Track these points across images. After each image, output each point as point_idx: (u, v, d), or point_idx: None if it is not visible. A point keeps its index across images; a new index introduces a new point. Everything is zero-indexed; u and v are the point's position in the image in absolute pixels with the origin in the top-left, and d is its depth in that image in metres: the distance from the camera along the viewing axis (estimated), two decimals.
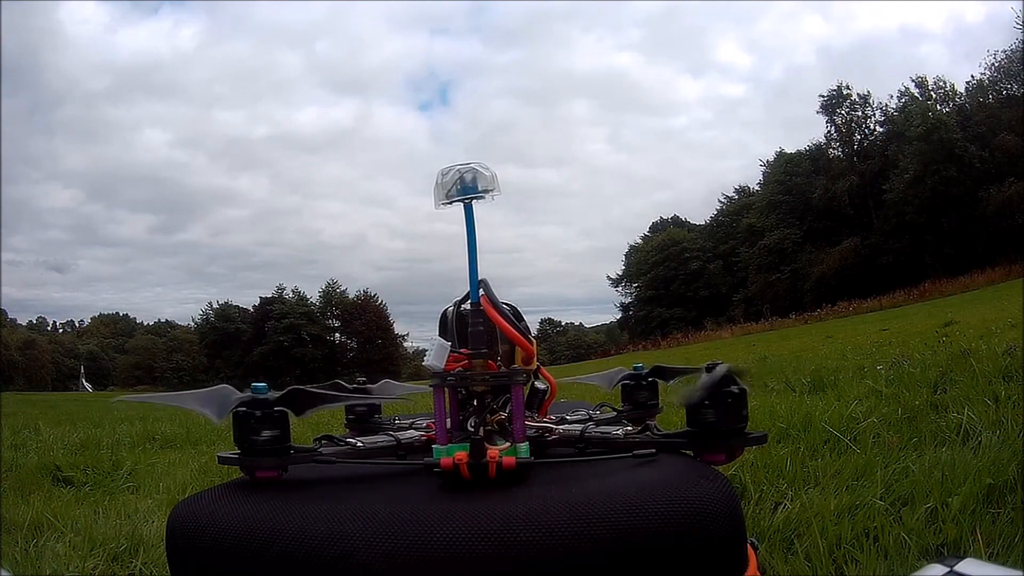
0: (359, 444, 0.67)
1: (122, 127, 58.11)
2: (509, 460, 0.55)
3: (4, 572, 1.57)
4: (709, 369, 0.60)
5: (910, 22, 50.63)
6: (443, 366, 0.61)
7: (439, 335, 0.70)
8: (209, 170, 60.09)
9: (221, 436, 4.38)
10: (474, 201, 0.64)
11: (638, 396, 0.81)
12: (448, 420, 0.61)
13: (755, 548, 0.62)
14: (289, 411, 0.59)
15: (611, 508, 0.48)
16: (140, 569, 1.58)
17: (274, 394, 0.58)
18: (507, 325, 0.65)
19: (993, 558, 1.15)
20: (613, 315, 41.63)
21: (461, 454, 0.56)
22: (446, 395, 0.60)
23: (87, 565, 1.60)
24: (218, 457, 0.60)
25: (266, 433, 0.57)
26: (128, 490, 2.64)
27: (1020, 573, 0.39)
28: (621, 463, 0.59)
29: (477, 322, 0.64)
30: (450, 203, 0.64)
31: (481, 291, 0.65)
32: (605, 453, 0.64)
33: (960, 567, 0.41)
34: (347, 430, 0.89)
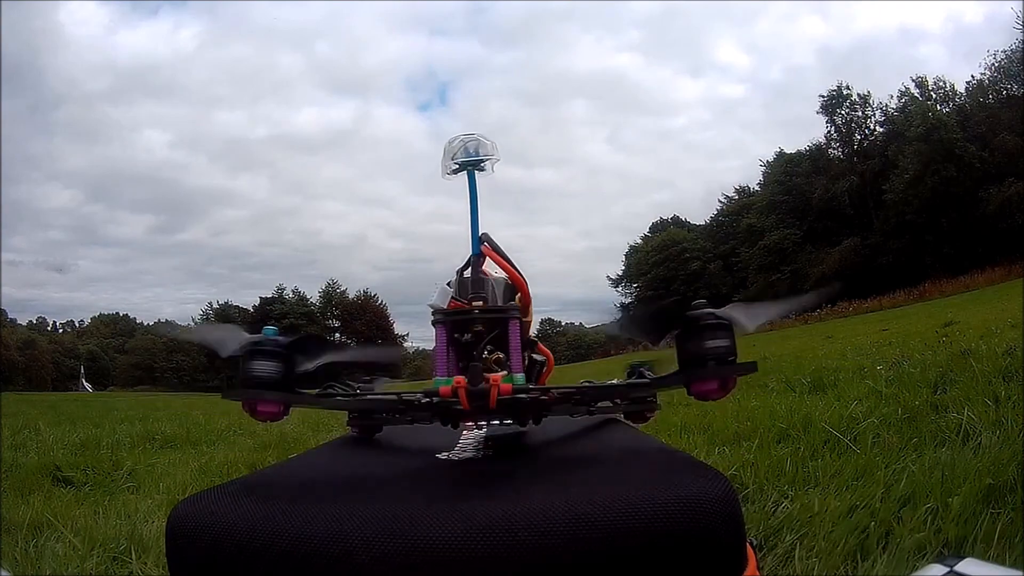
0: (359, 390, 0.70)
1: (122, 128, 58.16)
2: (506, 387, 0.58)
3: (4, 572, 1.57)
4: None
5: (910, 22, 50.54)
6: (445, 306, 0.65)
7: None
8: (209, 170, 60.16)
9: (221, 436, 4.38)
10: (478, 173, 0.70)
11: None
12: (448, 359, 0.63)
13: (755, 548, 0.62)
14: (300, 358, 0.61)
15: (611, 508, 0.48)
16: (140, 569, 1.58)
17: (285, 339, 0.61)
18: (505, 263, 0.71)
19: (993, 558, 1.15)
20: (613, 315, 41.58)
21: (460, 379, 0.58)
22: (446, 332, 0.63)
23: (87, 565, 1.60)
24: (222, 394, 0.63)
25: (270, 369, 0.59)
26: (128, 490, 2.64)
27: (1020, 573, 0.39)
28: (621, 460, 0.59)
29: (478, 270, 0.68)
30: (456, 172, 0.70)
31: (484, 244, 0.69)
32: (602, 399, 0.68)
33: (960, 567, 0.41)
34: (348, 428, 0.90)
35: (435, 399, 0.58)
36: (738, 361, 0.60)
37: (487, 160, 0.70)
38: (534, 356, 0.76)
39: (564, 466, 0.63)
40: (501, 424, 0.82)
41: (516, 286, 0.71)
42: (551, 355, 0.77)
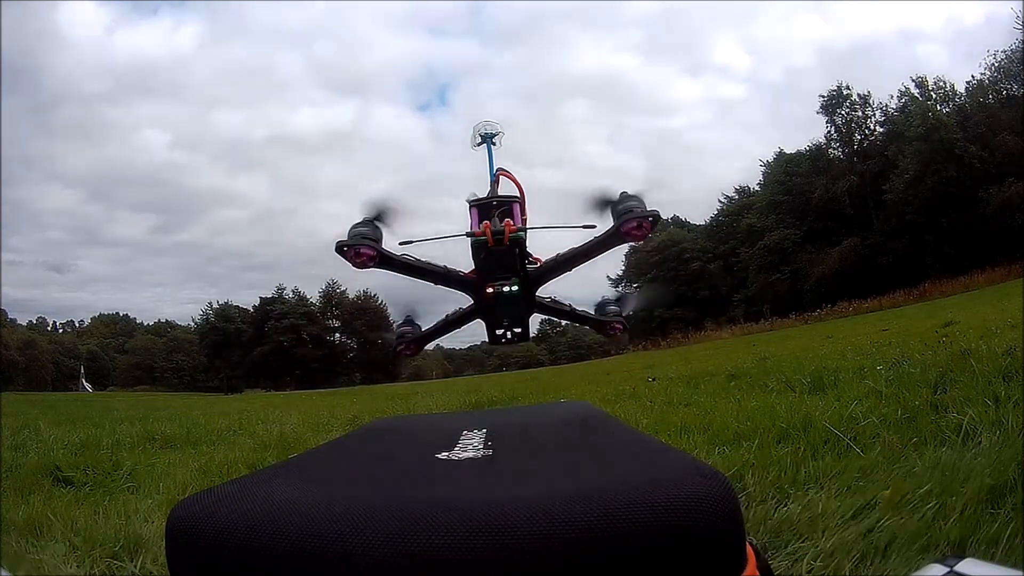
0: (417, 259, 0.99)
1: (122, 128, 58.07)
2: (513, 228, 0.92)
3: (4, 572, 1.57)
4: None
5: (909, 23, 50.55)
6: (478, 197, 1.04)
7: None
8: (209, 171, 60.09)
9: (221, 436, 4.38)
10: (493, 146, 1.20)
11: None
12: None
13: (755, 548, 0.62)
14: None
15: (611, 509, 0.48)
16: (139, 569, 1.58)
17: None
18: (513, 176, 1.10)
19: (993, 558, 1.15)
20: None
21: (486, 223, 0.94)
22: (478, 211, 1.01)
23: (87, 565, 1.60)
24: (337, 243, 0.93)
25: (369, 231, 0.94)
26: (128, 490, 2.64)
27: (1020, 573, 0.39)
28: (621, 460, 0.59)
29: (495, 185, 1.10)
30: (480, 145, 1.20)
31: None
32: (575, 261, 0.99)
33: (960, 567, 0.41)
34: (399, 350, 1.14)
35: (472, 237, 0.91)
36: None
37: (498, 135, 1.22)
38: (529, 262, 1.02)
39: (564, 466, 0.63)
40: (511, 339, 1.08)
41: (518, 189, 1.09)
42: (542, 259, 1.03)
